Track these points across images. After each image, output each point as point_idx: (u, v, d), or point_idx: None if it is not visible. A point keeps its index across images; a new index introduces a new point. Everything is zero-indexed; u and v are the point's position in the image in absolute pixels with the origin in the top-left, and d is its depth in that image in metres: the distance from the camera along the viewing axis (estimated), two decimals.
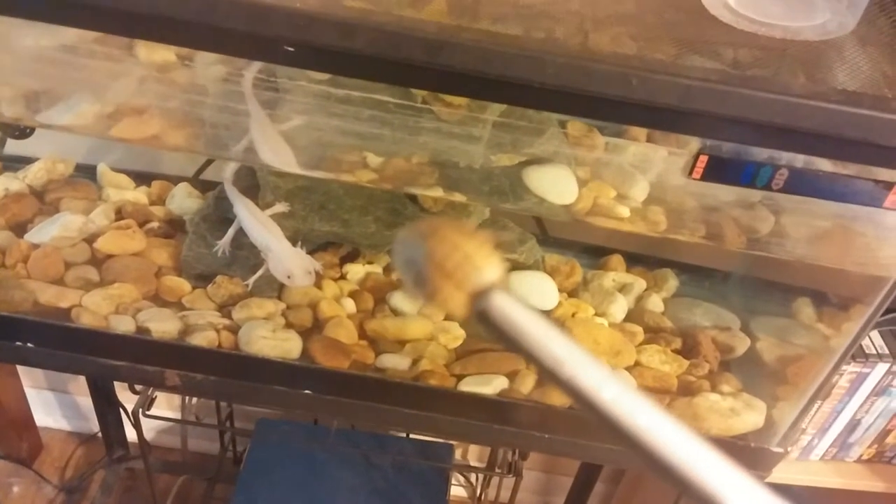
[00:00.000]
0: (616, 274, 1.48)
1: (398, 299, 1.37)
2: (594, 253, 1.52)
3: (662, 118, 0.84)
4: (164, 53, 1.05)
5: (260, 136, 1.12)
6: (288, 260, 1.23)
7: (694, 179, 0.96)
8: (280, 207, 1.33)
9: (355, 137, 1.13)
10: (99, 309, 1.25)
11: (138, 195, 1.54)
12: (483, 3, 0.93)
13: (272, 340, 1.26)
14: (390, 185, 1.16)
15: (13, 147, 1.58)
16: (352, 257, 1.43)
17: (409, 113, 1.10)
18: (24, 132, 1.46)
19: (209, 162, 1.48)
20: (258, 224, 1.26)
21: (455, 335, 1.32)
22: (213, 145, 1.16)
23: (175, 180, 1.51)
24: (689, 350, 1.33)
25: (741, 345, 1.36)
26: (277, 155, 1.15)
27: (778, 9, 0.91)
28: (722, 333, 1.37)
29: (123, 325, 1.25)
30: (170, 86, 1.09)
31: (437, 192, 1.18)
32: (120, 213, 1.43)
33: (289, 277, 1.22)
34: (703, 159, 0.92)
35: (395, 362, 1.27)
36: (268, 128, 1.12)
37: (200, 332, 1.26)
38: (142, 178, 1.54)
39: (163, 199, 1.51)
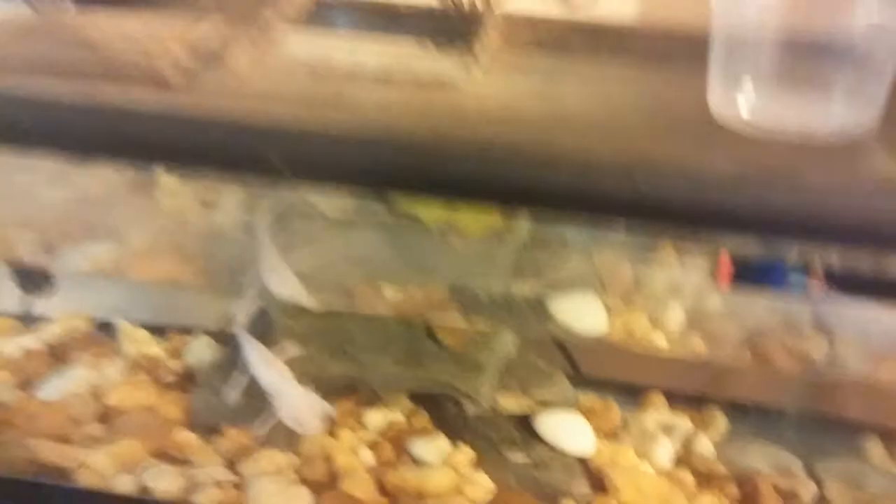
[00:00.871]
0: (658, 413, 1.35)
1: (420, 447, 1.27)
2: (632, 391, 1.40)
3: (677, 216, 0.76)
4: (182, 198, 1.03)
5: (268, 267, 1.14)
6: (297, 405, 1.17)
7: (722, 289, 0.88)
8: (290, 350, 1.25)
9: (369, 266, 1.16)
10: (102, 467, 1.18)
11: (156, 349, 1.49)
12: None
13: (280, 498, 1.15)
14: (408, 315, 1.16)
15: (33, 305, 1.58)
16: (371, 403, 1.35)
17: (424, 238, 1.12)
18: (43, 287, 1.45)
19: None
20: (268, 368, 1.19)
21: (484, 487, 1.22)
22: (225, 282, 1.20)
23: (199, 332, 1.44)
24: (747, 498, 1.22)
25: (806, 491, 1.20)
26: (285, 286, 1.15)
27: (792, 113, 0.86)
28: (783, 478, 1.24)
29: (125, 485, 1.17)
30: (184, 227, 1.08)
31: (457, 322, 1.11)
32: (134, 368, 1.37)
33: (298, 424, 1.16)
34: (727, 263, 0.84)
35: None
36: (276, 259, 1.15)
37: (204, 490, 1.16)
38: (163, 333, 1.52)
39: (180, 353, 1.47)
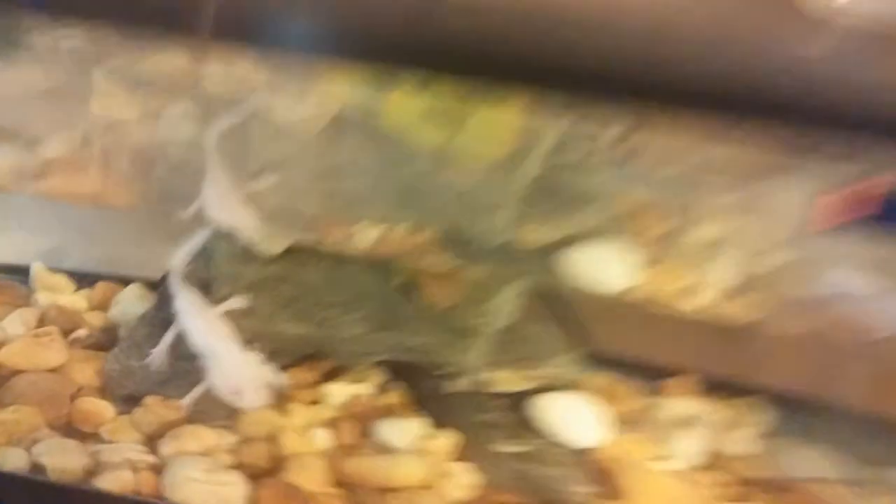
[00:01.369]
0: (686, 400, 1.07)
1: (389, 429, 1.11)
2: (655, 371, 1.24)
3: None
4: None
5: (215, 194, 1.01)
6: (236, 370, 0.98)
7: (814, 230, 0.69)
8: (235, 302, 1.08)
9: (342, 197, 1.03)
10: None
11: (76, 299, 1.29)
12: None
13: (205, 485, 0.97)
14: (385, 261, 1.05)
15: None
16: (334, 373, 1.17)
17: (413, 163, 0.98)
18: None
19: None
20: (203, 324, 1.03)
21: (465, 482, 1.05)
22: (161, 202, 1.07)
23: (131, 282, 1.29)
24: None
25: None
26: (235, 217, 1.03)
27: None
28: (837, 489, 1.08)
29: (11, 461, 0.98)
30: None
31: (445, 274, 1.05)
32: (42, 321, 1.19)
33: (235, 394, 0.96)
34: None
35: None
36: (225, 185, 1.01)
37: (112, 472, 0.99)
38: (93, 282, 1.35)
39: (107, 305, 1.28)
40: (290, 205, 1.03)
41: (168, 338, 1.06)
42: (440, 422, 1.12)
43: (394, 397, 1.18)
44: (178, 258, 1.11)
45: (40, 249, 1.42)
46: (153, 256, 1.38)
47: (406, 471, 1.03)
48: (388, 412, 1.14)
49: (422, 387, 1.16)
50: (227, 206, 1.01)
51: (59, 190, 0.93)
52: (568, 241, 0.99)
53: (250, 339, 1.04)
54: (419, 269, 1.11)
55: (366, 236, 1.04)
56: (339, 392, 1.15)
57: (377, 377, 1.17)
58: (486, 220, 1.00)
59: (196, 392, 1.01)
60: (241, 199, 1.02)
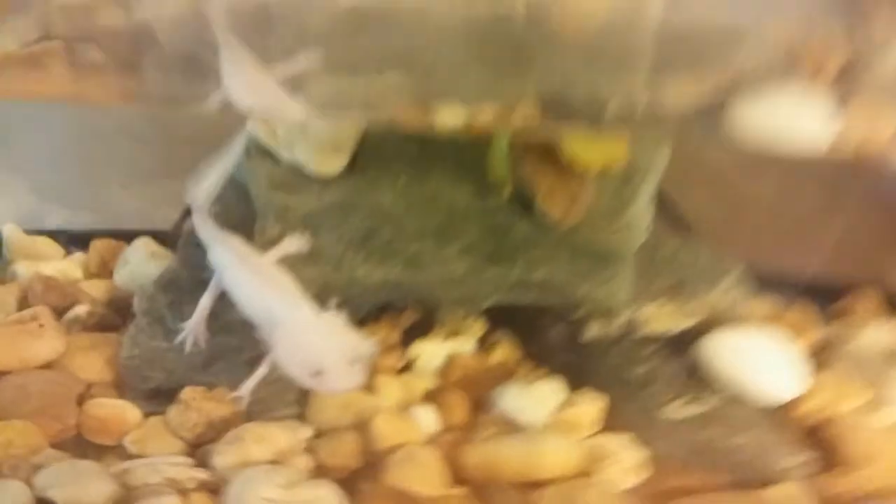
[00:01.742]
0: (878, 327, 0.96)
1: (512, 399, 0.89)
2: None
3: None
4: None
5: (241, 79, 0.76)
6: (313, 340, 0.72)
7: None
8: (294, 244, 0.86)
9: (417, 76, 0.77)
10: None
11: (67, 267, 1.07)
12: None
13: None
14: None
15: None
16: (421, 329, 0.97)
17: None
18: None
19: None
20: (255, 279, 0.79)
21: (624, 462, 0.83)
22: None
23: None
24: None
25: None
26: (275, 103, 0.76)
27: None
28: None
29: (9, 497, 0.74)
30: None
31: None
32: (24, 300, 0.97)
33: (317, 375, 0.70)
34: None
35: None
36: (252, 65, 0.76)
37: (152, 500, 0.74)
38: (84, 242, 1.11)
39: (109, 269, 1.06)
40: (344, 91, 0.81)
41: (204, 303, 0.84)
42: (577, 382, 0.91)
43: (506, 353, 1.00)
44: (201, 190, 0.86)
45: (11, 209, 1.16)
46: (160, 198, 1.09)
47: (553, 456, 0.81)
48: (504, 375, 0.95)
49: (546, 337, 0.96)
50: (261, 91, 0.77)
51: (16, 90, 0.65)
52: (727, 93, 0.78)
53: (318, 294, 0.80)
54: (530, 170, 0.90)
55: (452, 124, 0.80)
56: (432, 353, 0.97)
57: (477, 328, 1.00)
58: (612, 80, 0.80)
59: (255, 377, 0.78)
60: (277, 81, 0.77)
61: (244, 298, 0.78)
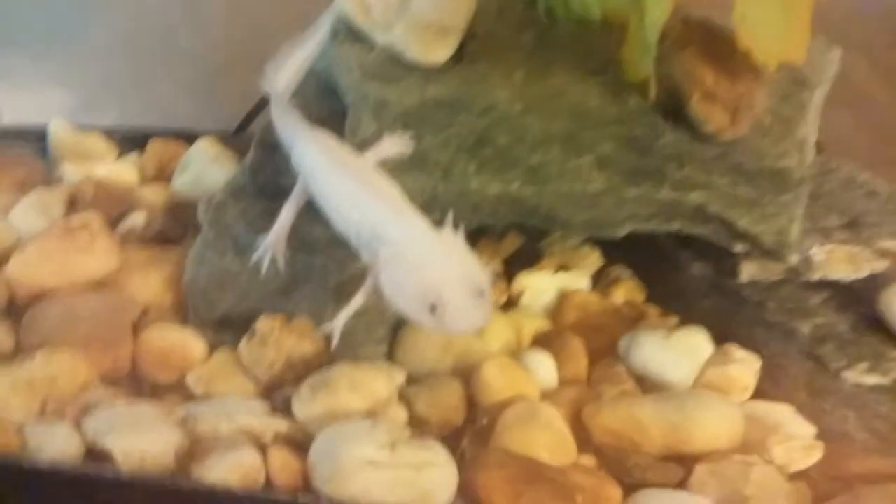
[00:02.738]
0: None
1: (648, 348, 0.75)
2: None
3: None
4: None
5: None
6: (433, 267, 0.59)
7: None
8: (395, 145, 0.72)
9: None
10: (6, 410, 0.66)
11: (121, 169, 0.94)
12: None
13: (388, 471, 0.60)
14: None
15: None
16: (526, 259, 0.86)
17: None
18: None
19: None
20: (353, 186, 0.66)
21: (798, 440, 0.68)
22: None
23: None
24: None
25: None
26: None
27: None
28: None
29: (55, 444, 0.63)
30: None
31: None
32: (73, 204, 0.85)
33: (435, 310, 0.58)
34: None
35: None
36: None
37: (226, 455, 0.62)
38: (141, 143, 0.98)
39: (168, 174, 0.94)
40: None
41: (285, 215, 0.72)
42: (723, 334, 0.76)
43: (629, 294, 0.85)
44: (281, 77, 0.75)
45: (61, 103, 1.05)
46: (226, 95, 0.99)
47: (709, 425, 0.67)
48: (631, 320, 0.81)
49: (681, 278, 0.82)
50: None
51: None
52: None
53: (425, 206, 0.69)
54: (684, 66, 0.74)
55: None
56: (541, 287, 0.84)
57: (593, 260, 0.88)
58: None
59: (350, 307, 0.66)
60: None
61: (337, 210, 0.67)
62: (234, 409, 0.67)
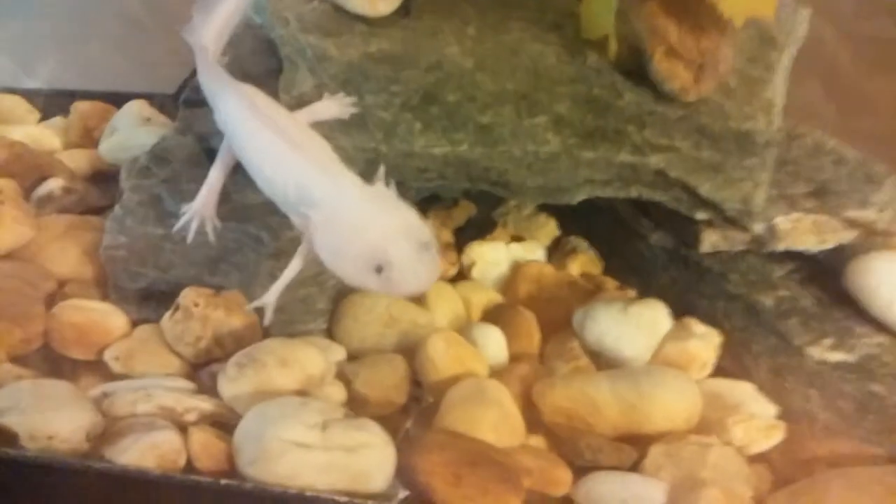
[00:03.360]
0: None
1: (603, 322, 0.71)
2: None
3: None
4: None
5: None
6: (373, 225, 0.55)
7: None
8: (333, 107, 0.66)
9: None
10: None
11: (42, 133, 0.88)
12: None
13: (318, 453, 0.56)
14: None
15: None
16: (478, 229, 0.81)
17: None
18: None
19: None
20: (283, 145, 0.60)
21: (758, 421, 0.65)
22: None
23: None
24: None
25: None
26: None
27: None
28: None
29: None
30: None
31: None
32: None
33: (381, 271, 0.54)
34: None
35: None
36: None
37: (140, 436, 0.58)
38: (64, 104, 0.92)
39: (95, 139, 0.88)
40: None
41: (213, 179, 0.67)
42: (682, 308, 0.72)
43: (585, 265, 0.81)
44: (207, 26, 0.68)
45: None
46: (163, 55, 0.90)
47: (666, 404, 0.63)
48: (586, 293, 0.77)
49: (638, 248, 0.77)
50: None
51: None
52: None
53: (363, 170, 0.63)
54: (646, 20, 0.68)
55: None
56: (493, 258, 0.80)
57: (548, 230, 0.83)
58: None
59: (284, 278, 0.61)
60: None
61: (266, 171, 0.62)
62: (155, 388, 0.62)
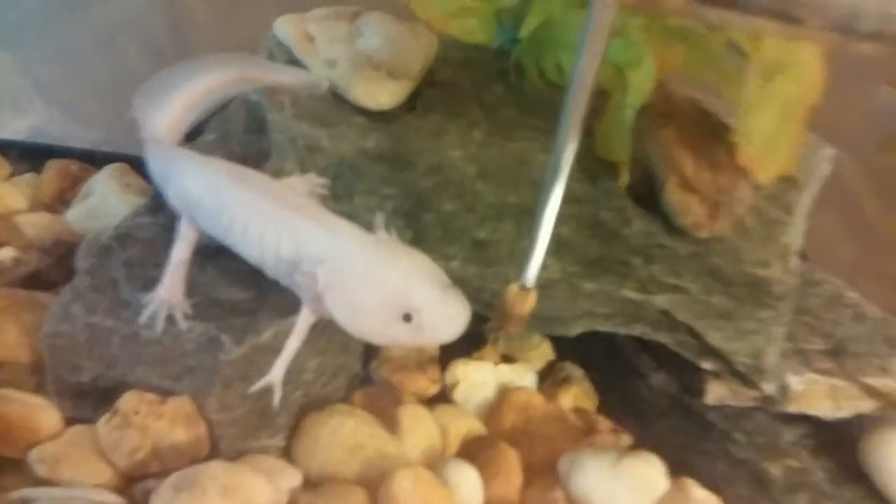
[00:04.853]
0: None
1: (594, 473, 0.62)
2: None
3: None
4: None
5: None
6: (389, 270, 0.51)
7: None
8: (309, 182, 0.61)
9: None
10: None
11: (5, 190, 0.81)
12: None
13: None
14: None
15: None
16: (466, 344, 0.68)
17: None
18: None
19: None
20: (261, 201, 0.55)
21: None
22: None
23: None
24: None
25: None
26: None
27: None
28: None
29: None
30: None
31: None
32: None
33: (409, 320, 0.50)
34: None
35: None
36: None
37: None
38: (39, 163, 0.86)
39: (67, 201, 0.81)
40: None
41: (178, 258, 0.59)
42: (681, 463, 0.64)
43: (579, 397, 0.74)
44: (162, 112, 0.63)
45: None
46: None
47: None
48: (578, 432, 0.70)
49: (638, 388, 0.71)
50: None
51: None
52: None
53: None
54: (663, 149, 0.65)
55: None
56: (479, 380, 0.73)
57: (542, 353, 0.77)
58: None
59: (291, 346, 0.56)
60: None
61: (253, 234, 0.54)
62: (78, 501, 0.55)
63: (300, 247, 0.53)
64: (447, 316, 0.49)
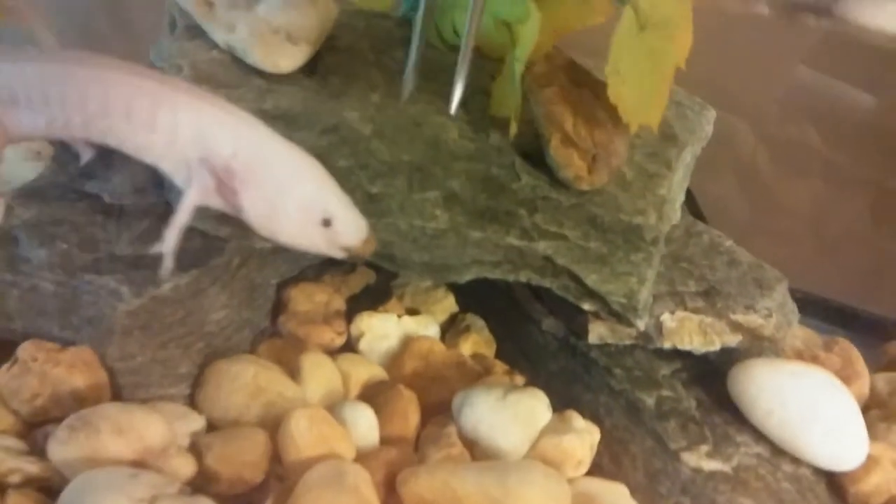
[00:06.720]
0: None
1: (483, 408, 0.67)
2: None
3: None
4: None
5: None
6: (310, 177, 0.55)
7: None
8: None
9: None
10: None
11: None
12: None
13: None
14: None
15: None
16: (373, 298, 0.79)
17: None
18: None
19: None
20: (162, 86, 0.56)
21: None
22: None
23: None
24: None
25: None
26: None
27: None
28: None
29: None
30: None
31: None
32: None
33: (328, 226, 0.54)
34: None
35: None
36: None
37: None
38: None
39: None
40: None
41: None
42: (566, 399, 0.70)
43: (479, 345, 0.79)
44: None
45: None
46: None
47: (531, 502, 0.59)
48: (473, 375, 0.74)
49: (530, 333, 0.75)
50: None
51: None
52: None
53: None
54: (547, 107, 0.68)
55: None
56: (383, 331, 0.76)
57: (446, 305, 0.81)
58: None
59: (178, 222, 0.56)
60: None
61: (138, 119, 0.53)
62: None
63: (204, 133, 0.53)
64: (357, 223, 0.53)
